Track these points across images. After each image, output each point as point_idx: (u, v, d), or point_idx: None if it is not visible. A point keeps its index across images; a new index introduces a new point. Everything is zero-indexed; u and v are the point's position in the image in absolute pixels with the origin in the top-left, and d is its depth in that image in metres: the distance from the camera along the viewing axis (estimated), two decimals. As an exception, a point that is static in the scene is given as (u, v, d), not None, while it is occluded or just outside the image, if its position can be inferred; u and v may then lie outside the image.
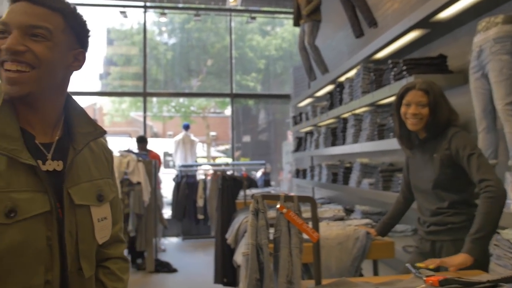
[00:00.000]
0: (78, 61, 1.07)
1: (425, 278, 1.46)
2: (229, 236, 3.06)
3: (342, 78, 4.93)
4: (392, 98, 3.66)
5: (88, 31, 1.10)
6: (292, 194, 1.58)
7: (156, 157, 5.81)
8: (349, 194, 5.10)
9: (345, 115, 4.84)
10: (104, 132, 1.13)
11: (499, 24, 2.50)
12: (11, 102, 0.99)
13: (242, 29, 11.53)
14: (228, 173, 5.10)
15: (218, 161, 13.04)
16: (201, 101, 12.72)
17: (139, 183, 4.47)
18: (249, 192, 4.68)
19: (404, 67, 3.27)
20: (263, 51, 12.31)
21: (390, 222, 2.31)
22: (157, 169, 5.37)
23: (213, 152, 13.89)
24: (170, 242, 6.93)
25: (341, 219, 2.78)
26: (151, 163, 4.76)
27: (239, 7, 7.70)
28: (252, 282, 1.43)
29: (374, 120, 4.15)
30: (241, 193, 3.89)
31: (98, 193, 1.10)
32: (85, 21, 1.08)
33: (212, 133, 13.85)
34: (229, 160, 8.65)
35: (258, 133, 14.44)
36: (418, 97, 1.95)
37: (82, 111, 1.12)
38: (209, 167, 7.03)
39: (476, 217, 1.76)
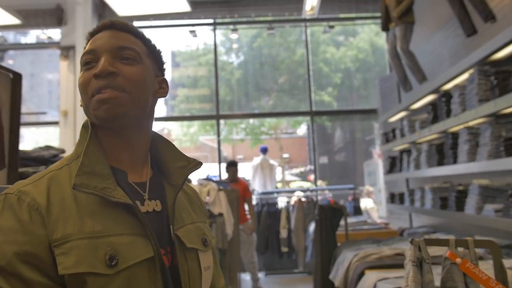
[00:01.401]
0: (162, 89, 1.07)
1: None
2: (336, 278, 2.73)
3: (448, 86, 4.48)
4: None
5: (164, 60, 1.11)
6: (467, 238, 1.23)
7: (245, 185, 5.69)
8: (463, 223, 4.56)
9: (455, 129, 4.36)
10: (199, 164, 1.09)
11: None
12: (97, 139, 0.98)
13: (314, 41, 11.30)
14: (314, 199, 4.77)
15: (293, 185, 12.75)
16: (272, 121, 12.57)
17: (221, 214, 4.29)
18: (342, 222, 4.32)
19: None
20: (338, 64, 11.99)
21: None
22: (243, 199, 5.47)
23: (288, 175, 13.63)
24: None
25: None
26: (233, 192, 4.58)
27: (315, 16, 7.47)
28: None
29: (496, 133, 3.66)
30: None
31: (202, 237, 1.06)
32: (160, 50, 1.10)
33: (285, 155, 13.62)
34: (306, 184, 8.35)
35: (335, 153, 14.02)
36: None
37: (171, 144, 1.09)
38: (291, 193, 6.75)
39: None
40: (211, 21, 7.85)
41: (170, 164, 1.05)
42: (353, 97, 11.95)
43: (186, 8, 6.54)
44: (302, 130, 15.26)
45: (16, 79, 1.79)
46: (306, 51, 8.24)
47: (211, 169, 9.42)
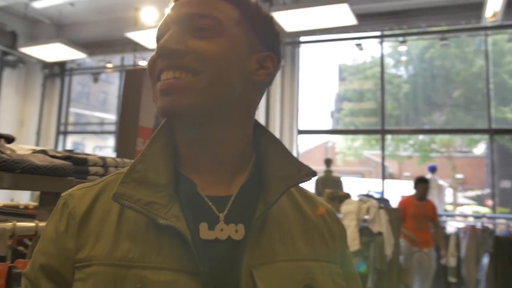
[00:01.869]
0: (264, 69, 0.75)
1: None
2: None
3: None
4: None
5: (276, 31, 0.79)
6: None
7: (434, 206, 5.11)
8: None
9: None
10: (312, 174, 0.75)
11: None
12: (168, 134, 0.75)
13: (496, 51, 10.13)
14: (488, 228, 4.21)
15: (467, 209, 11.56)
16: (444, 138, 11.61)
17: (380, 233, 4.07)
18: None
19: None
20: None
21: None
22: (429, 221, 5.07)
23: (460, 198, 12.43)
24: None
25: None
26: (395, 211, 4.32)
27: (498, 23, 6.67)
28: None
29: None
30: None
31: (305, 282, 0.69)
32: (269, 16, 0.79)
33: (458, 176, 12.44)
34: (483, 210, 7.45)
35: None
36: None
37: (280, 147, 0.77)
38: (464, 218, 6.10)
39: None
40: (378, 33, 7.60)
41: (271, 171, 0.75)
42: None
43: (353, 21, 6.44)
44: (479, 149, 13.80)
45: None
46: (486, 63, 7.41)
47: (373, 185, 9.10)
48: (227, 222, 0.69)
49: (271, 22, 0.78)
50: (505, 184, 11.52)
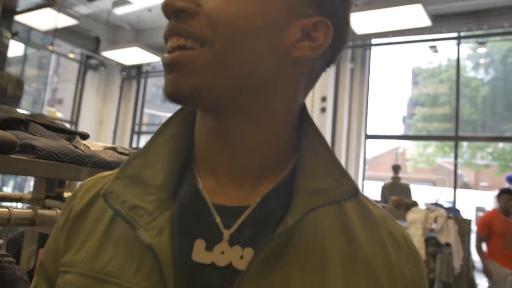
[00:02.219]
0: (312, 40, 0.55)
1: None
2: None
3: None
4: None
5: None
6: None
7: None
8: None
9: None
10: (353, 192, 0.53)
11: None
12: (183, 122, 0.60)
13: None
14: None
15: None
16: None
17: (448, 244, 3.91)
18: None
19: None
20: None
21: None
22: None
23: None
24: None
25: None
26: (465, 222, 4.14)
27: None
28: None
29: None
30: None
31: None
32: None
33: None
34: None
35: None
36: None
37: (327, 152, 0.56)
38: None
39: None
40: (454, 34, 7.27)
41: (302, 179, 0.55)
42: None
43: (427, 22, 6.24)
44: None
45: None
46: None
47: (445, 194, 8.72)
48: (232, 243, 0.52)
49: None
50: None
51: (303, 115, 0.60)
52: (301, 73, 0.57)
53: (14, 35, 7.24)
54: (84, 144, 1.40)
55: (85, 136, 1.54)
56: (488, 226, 4.63)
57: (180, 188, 0.57)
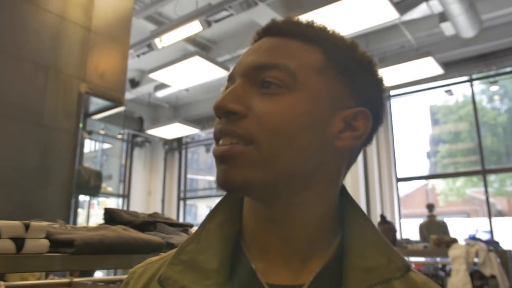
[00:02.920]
0: (353, 130, 0.58)
1: None
2: None
3: None
4: None
5: (375, 77, 0.62)
6: None
7: None
8: None
9: None
10: (405, 268, 0.55)
11: None
12: (229, 207, 0.62)
13: None
14: None
15: None
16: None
17: (493, 276, 4.01)
18: None
19: None
20: None
21: None
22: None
23: None
24: None
25: None
26: (505, 253, 4.23)
27: None
28: None
29: None
30: None
31: None
32: (366, 56, 0.61)
33: None
34: None
35: None
36: None
37: (371, 229, 0.58)
38: None
39: None
40: (466, 78, 7.60)
41: (352, 258, 0.56)
42: None
43: (439, 71, 6.57)
44: None
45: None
46: None
47: (481, 224, 8.68)
48: None
49: (369, 65, 0.61)
50: None
51: (343, 192, 0.62)
52: (343, 158, 0.59)
53: (90, 134, 7.95)
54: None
55: (191, 226, 1.91)
56: None
57: (234, 271, 0.57)
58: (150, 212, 1.77)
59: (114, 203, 9.74)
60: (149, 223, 1.61)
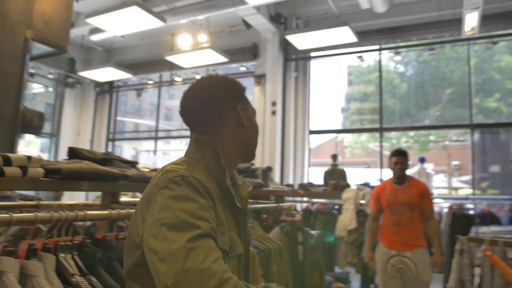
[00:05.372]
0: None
1: None
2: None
3: None
4: None
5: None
6: (498, 239, 1.73)
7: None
8: None
9: None
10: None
11: None
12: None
13: (486, 52, 10.71)
14: (464, 208, 4.93)
15: (459, 192, 12.18)
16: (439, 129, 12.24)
17: (374, 214, 4.83)
18: (488, 230, 4.49)
19: None
20: (512, 72, 11.08)
21: None
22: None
23: (456, 183, 13.01)
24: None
25: None
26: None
27: (477, 35, 7.33)
28: (455, 311, 1.66)
29: None
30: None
31: None
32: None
33: (455, 163, 13.04)
34: (477, 192, 8.14)
35: (510, 162, 12.79)
36: None
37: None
38: (443, 200, 6.83)
39: None
40: (376, 47, 8.33)
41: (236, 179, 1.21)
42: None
43: (353, 39, 7.13)
44: (475, 137, 14.28)
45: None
46: (468, 68, 8.09)
47: (373, 175, 9.82)
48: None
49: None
50: (494, 168, 12.08)
51: None
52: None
53: (32, 77, 7.62)
54: (143, 168, 2.16)
55: (137, 163, 2.30)
56: (377, 199, 3.63)
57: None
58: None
59: (41, 141, 9.60)
60: (106, 159, 1.98)
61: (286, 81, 8.51)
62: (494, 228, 4.65)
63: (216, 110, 1.11)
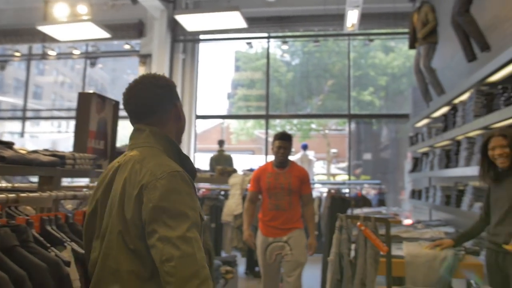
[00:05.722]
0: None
1: None
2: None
3: (457, 100, 4.99)
4: (503, 123, 3.72)
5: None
6: (371, 216, 1.97)
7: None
8: (461, 217, 5.08)
9: (459, 138, 4.88)
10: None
11: None
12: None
13: (364, 48, 11.77)
14: (341, 192, 5.43)
15: (337, 178, 13.32)
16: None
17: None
18: (361, 211, 5.01)
19: (513, 93, 3.34)
20: (385, 69, 12.35)
21: (467, 234, 2.74)
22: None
23: (334, 169, 14.20)
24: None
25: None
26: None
27: (357, 31, 8.04)
28: (334, 282, 1.86)
29: (486, 144, 4.17)
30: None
31: None
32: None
33: (333, 150, 14.19)
34: (352, 178, 9.05)
35: (380, 150, 14.34)
36: (500, 142, 2.39)
37: None
38: (322, 185, 7.44)
39: None
40: (265, 34, 8.64)
41: None
42: (396, 100, 12.30)
43: (243, 25, 7.28)
44: (351, 127, 15.72)
45: (116, 104, 2.71)
46: (348, 61, 8.84)
47: (259, 161, 10.23)
48: None
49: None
50: (367, 156, 13.46)
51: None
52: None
53: None
54: (21, 150, 1.97)
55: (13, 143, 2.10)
56: (257, 181, 3.63)
57: None
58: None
59: None
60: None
61: (174, 63, 8.38)
62: (366, 209, 5.21)
63: (162, 106, 1.40)
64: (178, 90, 8.21)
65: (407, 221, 7.38)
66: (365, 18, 7.49)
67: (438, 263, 2.48)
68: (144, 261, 1.20)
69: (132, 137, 1.41)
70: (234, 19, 7.00)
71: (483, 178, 2.62)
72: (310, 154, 9.15)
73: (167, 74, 8.18)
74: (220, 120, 14.74)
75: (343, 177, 13.51)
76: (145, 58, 8.47)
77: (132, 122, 1.42)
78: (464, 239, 2.74)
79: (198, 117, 8.69)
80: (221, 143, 7.51)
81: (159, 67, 8.04)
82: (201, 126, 14.34)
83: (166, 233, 1.13)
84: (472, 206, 4.33)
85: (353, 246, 2.00)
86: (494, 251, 2.36)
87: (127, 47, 8.86)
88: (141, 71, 8.52)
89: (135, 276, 1.20)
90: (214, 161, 7.18)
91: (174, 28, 8.31)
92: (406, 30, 8.33)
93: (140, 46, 8.68)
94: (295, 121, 13.35)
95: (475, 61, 4.90)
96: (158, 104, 1.38)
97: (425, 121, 6.50)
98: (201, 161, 8.65)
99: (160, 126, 1.38)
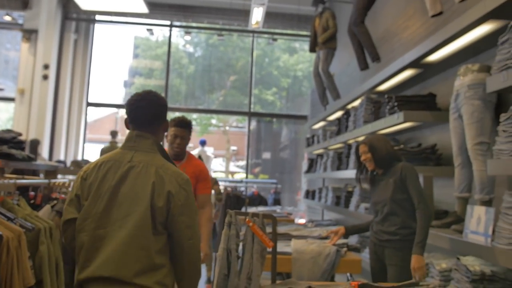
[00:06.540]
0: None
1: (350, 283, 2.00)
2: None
3: (350, 106, 5.45)
4: (387, 130, 4.19)
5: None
6: (258, 212, 2.14)
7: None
8: (350, 217, 5.57)
9: (350, 141, 5.34)
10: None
11: (475, 72, 2.93)
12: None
13: (268, 47, 12.16)
14: (238, 190, 5.64)
15: (236, 176, 13.63)
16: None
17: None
18: (256, 209, 5.24)
19: (396, 103, 3.76)
20: (288, 70, 12.87)
21: (358, 227, 3.20)
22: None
23: (233, 167, 14.49)
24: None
25: (325, 238, 3.29)
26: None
27: (261, 29, 8.34)
28: (221, 276, 1.99)
29: (373, 149, 4.64)
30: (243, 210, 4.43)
31: None
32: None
33: (233, 148, 14.49)
34: (250, 176, 9.35)
35: (280, 150, 14.93)
36: (363, 148, 2.91)
37: None
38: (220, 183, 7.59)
39: (417, 230, 2.57)
40: (168, 23, 8.57)
41: None
42: (297, 101, 12.93)
43: (144, 10, 7.19)
44: (251, 125, 16.11)
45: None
46: (251, 58, 9.12)
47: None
48: None
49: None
50: (266, 155, 13.96)
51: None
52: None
53: None
54: None
55: None
56: None
57: None
58: None
59: None
60: None
61: (64, 42, 7.94)
62: (261, 208, 5.47)
63: (160, 119, 1.86)
64: (67, 73, 7.79)
65: (301, 220, 7.89)
66: (270, 17, 7.81)
67: (322, 258, 2.75)
68: (160, 238, 1.72)
69: (132, 139, 1.81)
70: (134, 2, 6.89)
71: (358, 181, 3.08)
72: (209, 150, 9.28)
73: (55, 54, 7.73)
74: (114, 110, 14.24)
75: (241, 175, 13.85)
76: (29, 34, 7.91)
77: (133, 127, 1.83)
78: (354, 231, 3.23)
79: (89, 104, 8.34)
80: (114, 134, 7.30)
81: (46, 45, 7.56)
82: (93, 114, 13.74)
83: (190, 222, 1.75)
84: (358, 207, 4.79)
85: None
86: (375, 243, 2.84)
87: (7, 18, 8.18)
88: (25, 48, 7.96)
89: (156, 250, 1.70)
90: (105, 153, 6.92)
91: (66, 4, 7.87)
92: (309, 33, 8.86)
93: (24, 20, 8.07)
94: (194, 115, 13.38)
95: (368, 70, 5.40)
96: (158, 116, 1.84)
97: (321, 123, 6.99)
98: (91, 153, 8.33)
99: (155, 135, 1.84)
